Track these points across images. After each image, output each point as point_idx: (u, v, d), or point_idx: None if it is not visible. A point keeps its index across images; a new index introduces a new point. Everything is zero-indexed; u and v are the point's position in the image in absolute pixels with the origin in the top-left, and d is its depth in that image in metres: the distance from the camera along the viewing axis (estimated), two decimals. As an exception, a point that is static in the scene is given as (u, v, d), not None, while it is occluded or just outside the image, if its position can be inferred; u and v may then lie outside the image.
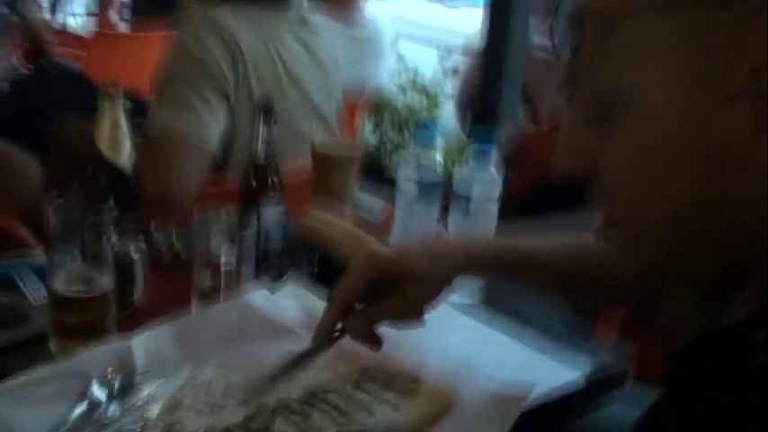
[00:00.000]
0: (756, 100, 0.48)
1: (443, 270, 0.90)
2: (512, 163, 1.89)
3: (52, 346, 0.96)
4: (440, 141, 1.33)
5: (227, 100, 1.48)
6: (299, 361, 0.90)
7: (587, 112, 0.56)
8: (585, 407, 1.05)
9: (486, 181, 1.22)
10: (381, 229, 1.32)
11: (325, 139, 1.42)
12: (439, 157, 1.28)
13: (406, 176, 1.28)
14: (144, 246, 0.97)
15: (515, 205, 1.59)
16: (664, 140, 0.52)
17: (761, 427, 0.46)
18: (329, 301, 0.90)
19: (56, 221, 0.93)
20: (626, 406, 1.07)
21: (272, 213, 1.18)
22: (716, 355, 0.52)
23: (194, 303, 1.08)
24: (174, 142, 1.38)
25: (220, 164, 1.50)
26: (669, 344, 0.79)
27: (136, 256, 0.95)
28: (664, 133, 0.51)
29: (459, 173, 1.24)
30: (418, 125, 1.27)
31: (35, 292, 1.08)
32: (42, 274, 1.10)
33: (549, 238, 0.97)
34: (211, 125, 1.45)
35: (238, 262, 1.07)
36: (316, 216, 1.29)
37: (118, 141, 1.02)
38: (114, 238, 0.93)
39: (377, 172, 2.67)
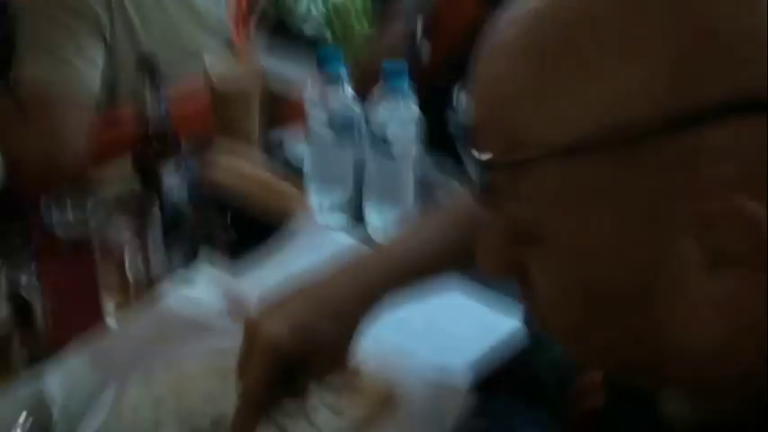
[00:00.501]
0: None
1: (349, 330, 0.79)
2: (425, 33, 1.79)
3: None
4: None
5: (104, 40, 1.32)
6: None
7: (507, 232, 0.50)
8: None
9: (403, 120, 1.13)
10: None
11: (219, 67, 1.28)
12: (350, 91, 1.18)
13: (316, 118, 1.17)
14: (35, 274, 0.86)
15: (431, 76, 1.50)
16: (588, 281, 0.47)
17: None
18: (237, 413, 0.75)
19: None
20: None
21: (174, 186, 1.08)
22: None
23: (104, 302, 1.00)
24: (52, 102, 1.23)
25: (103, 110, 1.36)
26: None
27: (27, 294, 0.85)
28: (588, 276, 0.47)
29: (374, 113, 1.14)
30: (320, 58, 1.15)
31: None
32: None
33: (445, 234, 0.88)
34: (90, 76, 1.29)
35: (145, 251, 0.98)
36: (224, 167, 1.20)
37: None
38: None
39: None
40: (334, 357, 0.78)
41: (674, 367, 0.47)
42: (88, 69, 1.29)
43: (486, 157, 0.47)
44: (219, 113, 1.28)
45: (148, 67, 1.03)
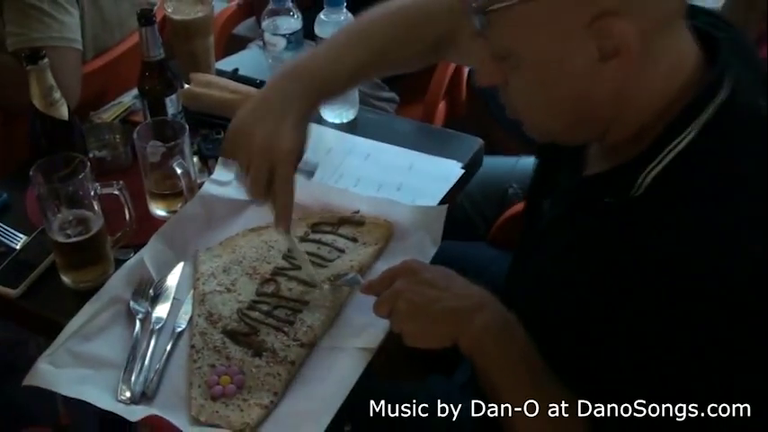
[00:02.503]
0: (598, 39, 0.78)
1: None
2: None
3: (66, 279, 1.16)
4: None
5: None
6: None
7: (491, 52, 0.84)
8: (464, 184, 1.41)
9: (340, 23, 1.43)
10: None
11: (173, 5, 1.52)
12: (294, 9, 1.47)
13: (270, 30, 1.47)
14: (122, 182, 1.14)
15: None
16: (543, 83, 0.83)
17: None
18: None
19: (42, 180, 1.08)
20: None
21: (175, 103, 1.36)
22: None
23: (151, 205, 1.28)
24: (52, 53, 1.43)
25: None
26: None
27: (117, 191, 1.13)
28: (541, 81, 0.83)
29: (318, 18, 1.44)
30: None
31: (12, 239, 1.23)
32: (4, 211, 1.27)
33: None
34: (70, 22, 1.51)
35: (181, 162, 1.25)
36: (200, 83, 1.47)
37: (54, 99, 1.14)
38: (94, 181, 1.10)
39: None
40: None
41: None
42: (64, 17, 1.50)
43: (483, 6, 0.80)
44: (179, 45, 1.54)
45: (145, 17, 1.28)
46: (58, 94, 1.16)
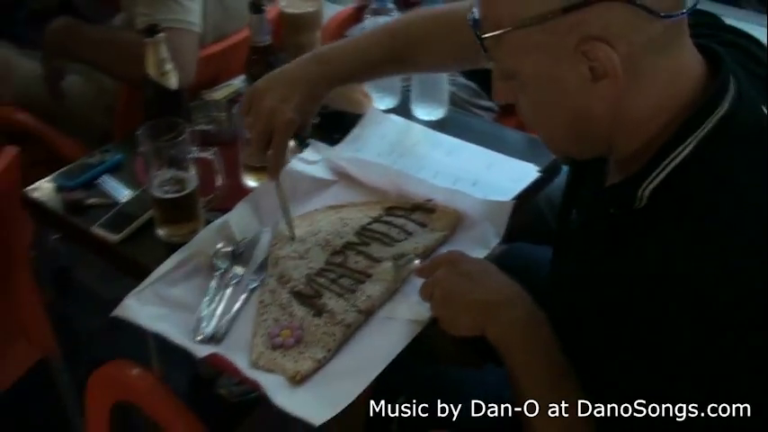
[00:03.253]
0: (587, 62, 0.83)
1: None
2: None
3: (160, 233, 1.29)
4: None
5: None
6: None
7: (501, 75, 0.92)
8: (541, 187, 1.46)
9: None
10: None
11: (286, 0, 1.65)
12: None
13: (369, 27, 1.57)
14: (216, 149, 1.27)
15: None
16: (544, 101, 0.89)
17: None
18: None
19: (147, 140, 1.21)
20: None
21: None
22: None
23: (244, 176, 1.40)
24: (173, 33, 1.58)
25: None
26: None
27: (212, 156, 1.26)
28: (542, 98, 0.89)
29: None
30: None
31: (119, 193, 1.38)
32: (117, 169, 1.41)
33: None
34: (192, 8, 1.66)
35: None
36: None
37: (166, 70, 1.28)
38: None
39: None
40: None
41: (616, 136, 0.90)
42: (189, 4, 1.66)
43: (484, 35, 0.87)
44: (289, 38, 1.66)
45: (257, 4, 1.41)
46: (169, 66, 1.29)
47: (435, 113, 1.57)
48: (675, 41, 0.86)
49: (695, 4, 0.86)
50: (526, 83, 0.89)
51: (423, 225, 1.29)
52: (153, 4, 1.62)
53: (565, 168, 1.53)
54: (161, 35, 1.26)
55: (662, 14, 0.81)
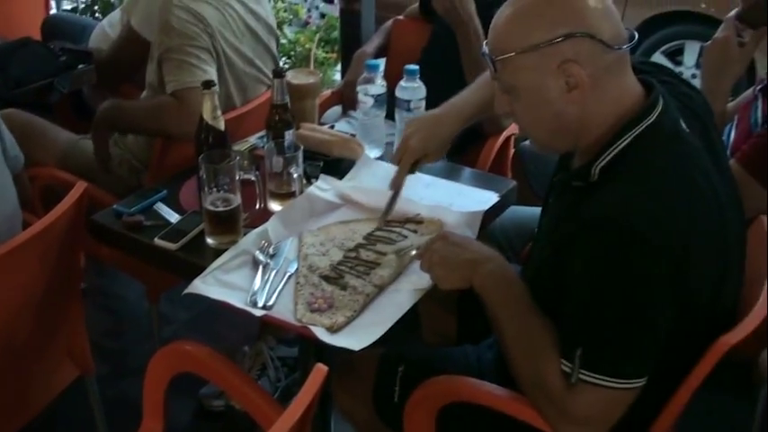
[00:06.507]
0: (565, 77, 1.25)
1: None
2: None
3: (209, 241, 1.64)
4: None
5: (212, 53, 2.10)
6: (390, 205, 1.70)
7: (501, 88, 1.33)
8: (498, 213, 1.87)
9: (415, 89, 1.96)
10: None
11: (292, 74, 2.07)
12: (382, 78, 2.01)
13: (363, 92, 1.99)
14: (258, 172, 1.65)
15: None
16: (533, 107, 1.31)
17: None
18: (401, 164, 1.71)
19: (206, 164, 1.58)
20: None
21: (292, 136, 1.87)
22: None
23: (269, 202, 1.77)
24: (195, 92, 1.95)
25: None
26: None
27: (255, 178, 1.63)
28: (532, 105, 1.31)
29: (399, 85, 1.97)
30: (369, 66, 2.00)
31: (171, 216, 1.73)
32: (165, 203, 1.77)
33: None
34: (211, 73, 2.07)
35: (291, 171, 1.75)
36: (307, 128, 1.99)
37: (217, 115, 1.67)
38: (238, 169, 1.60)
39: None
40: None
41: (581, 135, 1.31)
42: (208, 68, 2.06)
43: (492, 57, 1.30)
44: (294, 103, 2.07)
45: (278, 73, 1.82)
46: (219, 112, 1.68)
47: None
48: (623, 68, 1.30)
49: (633, 41, 1.29)
50: (521, 94, 1.30)
51: (414, 231, 1.68)
52: (179, 71, 2.03)
53: (512, 207, 1.94)
54: (215, 88, 1.66)
55: (615, 47, 1.25)
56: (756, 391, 1.95)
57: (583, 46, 1.24)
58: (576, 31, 1.23)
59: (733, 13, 1.90)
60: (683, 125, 1.32)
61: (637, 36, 1.31)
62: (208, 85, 1.66)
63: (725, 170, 1.37)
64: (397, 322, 1.43)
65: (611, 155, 1.27)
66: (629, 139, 1.27)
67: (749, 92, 2.03)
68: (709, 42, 1.92)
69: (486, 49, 1.32)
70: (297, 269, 1.57)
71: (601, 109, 1.29)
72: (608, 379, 1.23)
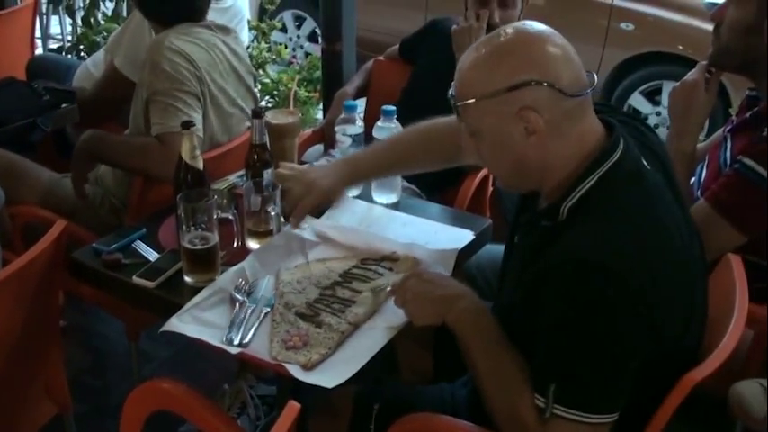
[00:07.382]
0: (524, 122, 1.29)
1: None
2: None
3: (187, 279, 1.65)
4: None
5: (199, 98, 2.14)
6: None
7: (466, 131, 1.37)
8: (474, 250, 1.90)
9: (392, 129, 1.99)
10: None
11: (272, 115, 2.11)
12: (360, 118, 2.04)
13: (341, 131, 2.03)
14: (236, 210, 1.67)
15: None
16: (497, 149, 1.36)
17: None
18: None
19: (184, 203, 1.60)
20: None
21: (270, 175, 1.90)
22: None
23: (247, 240, 1.79)
24: (178, 136, 1.99)
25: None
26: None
27: (232, 216, 1.66)
28: (495, 147, 1.35)
29: (375, 125, 2.00)
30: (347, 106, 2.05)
31: (149, 254, 1.75)
32: (144, 241, 1.78)
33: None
34: (197, 119, 2.10)
35: (268, 211, 1.77)
36: (286, 168, 2.02)
37: (196, 155, 1.69)
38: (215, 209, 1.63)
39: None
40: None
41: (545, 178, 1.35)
42: (193, 113, 2.09)
43: (456, 103, 1.34)
44: (274, 143, 2.10)
45: (256, 114, 1.86)
46: (197, 152, 1.71)
47: (391, 198, 2.02)
48: (583, 112, 1.33)
49: (593, 87, 1.33)
50: (484, 137, 1.35)
51: (390, 269, 1.70)
52: (166, 114, 2.06)
53: (488, 245, 1.97)
54: (194, 128, 1.69)
55: (572, 95, 1.29)
56: (733, 426, 1.97)
57: (541, 93, 1.28)
58: (534, 78, 1.27)
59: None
60: (645, 163, 1.35)
61: (596, 79, 1.36)
62: (187, 125, 1.69)
63: (685, 207, 1.42)
64: (373, 360, 1.45)
65: (578, 195, 1.31)
66: (594, 180, 1.31)
67: (720, 132, 2.08)
68: (677, 85, 1.97)
69: (451, 91, 1.36)
70: (273, 306, 1.59)
71: (563, 152, 1.33)
72: (582, 414, 1.25)
